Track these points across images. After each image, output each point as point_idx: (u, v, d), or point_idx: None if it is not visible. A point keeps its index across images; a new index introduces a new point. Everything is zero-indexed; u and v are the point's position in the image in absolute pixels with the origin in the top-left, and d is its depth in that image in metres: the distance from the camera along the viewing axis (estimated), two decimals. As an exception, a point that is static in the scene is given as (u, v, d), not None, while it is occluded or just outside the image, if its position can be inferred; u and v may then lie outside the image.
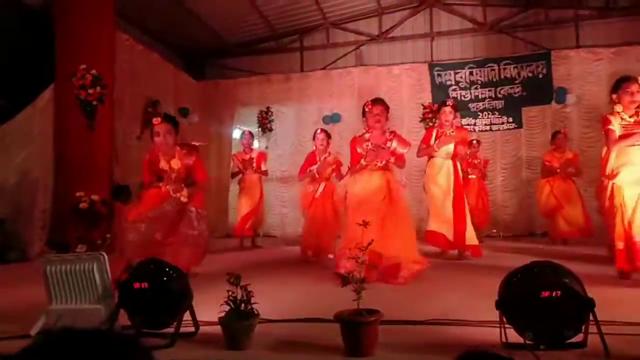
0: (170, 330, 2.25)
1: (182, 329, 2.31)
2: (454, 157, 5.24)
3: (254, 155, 7.01)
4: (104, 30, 6.23)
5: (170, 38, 9.33)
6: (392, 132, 4.16)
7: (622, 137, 3.62)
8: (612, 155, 3.66)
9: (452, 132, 5.23)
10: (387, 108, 4.12)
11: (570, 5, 8.72)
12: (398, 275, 3.78)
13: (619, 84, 3.71)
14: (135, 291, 2.21)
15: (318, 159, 5.75)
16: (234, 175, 7.34)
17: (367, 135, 4.08)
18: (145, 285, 2.18)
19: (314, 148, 5.88)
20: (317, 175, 5.68)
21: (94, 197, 5.83)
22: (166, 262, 2.36)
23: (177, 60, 9.67)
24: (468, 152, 6.30)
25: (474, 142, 7.28)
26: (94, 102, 6.01)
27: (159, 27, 8.78)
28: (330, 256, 5.04)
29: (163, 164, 3.91)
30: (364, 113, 4.16)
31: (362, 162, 4.03)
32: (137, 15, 8.12)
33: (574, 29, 8.77)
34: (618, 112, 3.68)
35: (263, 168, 6.98)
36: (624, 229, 3.50)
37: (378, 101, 4.11)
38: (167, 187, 3.85)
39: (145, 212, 3.71)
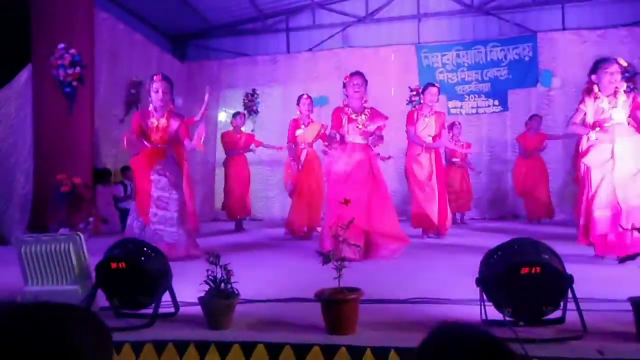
0: (150, 311, 2.22)
1: (162, 310, 2.28)
2: (437, 138, 5.34)
3: (244, 137, 6.94)
4: (82, 8, 6.04)
5: (153, 18, 9.12)
6: (370, 108, 4.21)
7: (596, 122, 3.62)
8: (584, 137, 3.68)
9: (431, 116, 5.37)
10: (365, 81, 4.20)
11: (557, -13, 8.69)
12: (381, 252, 3.89)
13: (598, 65, 3.68)
14: (113, 271, 2.16)
15: (302, 124, 5.77)
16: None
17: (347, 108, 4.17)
18: (122, 265, 2.14)
19: (298, 114, 5.90)
20: (299, 146, 5.75)
21: (76, 180, 5.73)
22: (144, 242, 2.31)
23: (160, 41, 9.47)
24: (449, 138, 6.41)
25: (457, 123, 7.32)
26: (74, 83, 5.85)
27: (141, 7, 8.57)
28: (319, 229, 5.08)
29: (153, 121, 4.04)
30: (344, 85, 4.22)
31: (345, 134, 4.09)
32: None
33: (560, 11, 8.77)
34: (595, 93, 3.65)
35: (252, 147, 6.95)
36: (586, 205, 3.56)
37: (356, 73, 4.20)
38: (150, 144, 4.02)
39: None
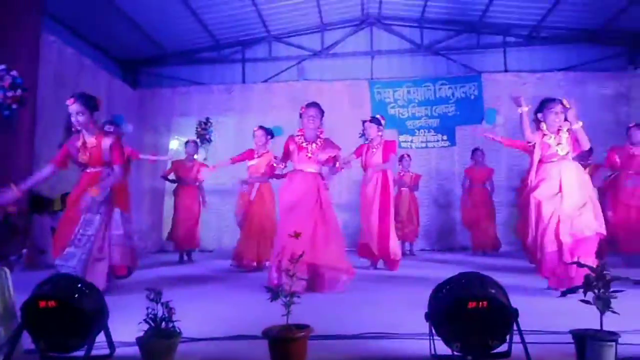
0: (82, 353, 2.05)
1: (95, 351, 2.11)
2: (386, 168, 5.44)
3: (196, 166, 6.78)
4: (27, 30, 5.80)
5: (105, 43, 8.91)
6: (325, 138, 4.24)
7: (543, 156, 3.84)
8: (532, 171, 3.88)
9: (379, 147, 5.52)
10: (321, 112, 4.22)
11: (499, 32, 9.29)
12: (326, 285, 3.87)
13: (544, 104, 3.91)
14: (41, 311, 1.98)
15: (256, 155, 5.77)
16: (166, 178, 7.02)
17: (299, 135, 4.20)
18: (52, 303, 1.97)
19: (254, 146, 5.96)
20: (251, 177, 5.80)
21: (10, 208, 5.35)
22: (78, 278, 2.15)
23: (111, 67, 9.23)
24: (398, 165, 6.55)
25: (406, 156, 7.52)
26: (13, 106, 5.54)
27: (93, 32, 8.36)
28: (268, 263, 4.97)
29: (79, 143, 3.78)
30: (300, 115, 4.23)
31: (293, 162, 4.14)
32: (69, 18, 7.69)
33: (502, 54, 9.35)
34: (541, 130, 3.89)
35: (200, 178, 6.77)
36: (540, 240, 3.70)
37: (312, 104, 4.23)
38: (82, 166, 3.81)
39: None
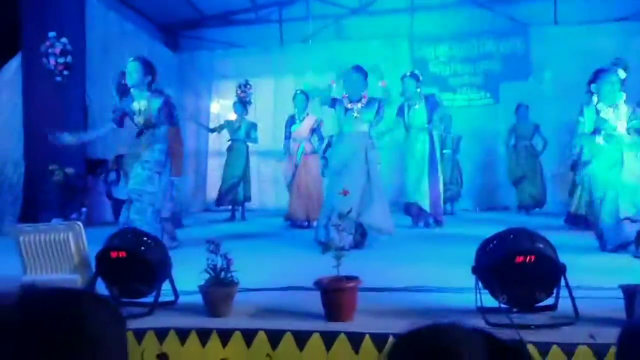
0: (150, 299, 2.24)
1: (162, 298, 2.30)
2: (430, 128, 5.38)
3: (244, 124, 6.96)
4: (75, -2, 5.97)
5: (144, 8, 9.00)
6: (369, 97, 4.21)
7: (596, 129, 3.63)
8: (585, 147, 3.72)
9: (421, 103, 5.40)
10: (364, 74, 4.19)
11: (550, -19, 8.73)
12: (369, 242, 3.97)
13: (598, 75, 3.65)
14: (113, 260, 2.18)
15: (297, 119, 5.88)
16: (214, 130, 7.32)
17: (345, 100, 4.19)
18: (122, 254, 2.15)
19: (294, 109, 6.14)
20: (295, 140, 5.94)
21: (68, 170, 5.70)
22: (143, 231, 2.32)
23: (152, 31, 9.37)
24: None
25: (448, 116, 7.37)
26: (65, 72, 5.79)
27: (132, -4, 8.47)
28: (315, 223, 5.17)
29: (134, 104, 3.94)
30: (344, 80, 4.25)
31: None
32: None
33: (552, 4, 8.81)
34: (594, 104, 3.64)
35: (252, 135, 6.98)
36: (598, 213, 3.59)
37: (354, 68, 4.20)
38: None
39: None
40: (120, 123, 4.10)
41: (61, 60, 5.76)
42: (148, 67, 3.99)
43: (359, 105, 4.11)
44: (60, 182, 5.54)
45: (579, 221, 4.88)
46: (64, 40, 5.72)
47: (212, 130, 7.41)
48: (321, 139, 6.10)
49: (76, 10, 6.06)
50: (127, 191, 3.96)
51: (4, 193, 5.80)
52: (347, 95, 4.18)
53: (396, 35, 9.14)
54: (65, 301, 0.76)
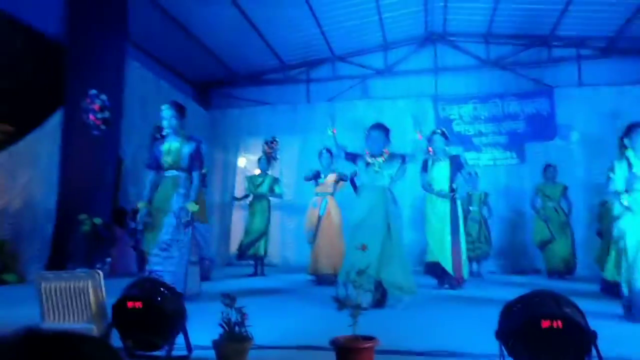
0: (163, 353, 2.21)
1: (175, 352, 2.26)
2: (451, 185, 5.34)
3: (267, 179, 7.11)
4: (115, 57, 6.39)
5: (179, 67, 9.55)
6: (390, 153, 4.25)
7: (630, 188, 3.51)
8: (616, 205, 3.59)
9: (445, 160, 5.41)
10: (386, 131, 4.25)
11: (573, 45, 8.88)
12: (389, 302, 3.86)
13: (633, 129, 3.56)
14: (129, 311, 2.17)
15: (322, 176, 6.01)
16: (238, 198, 7.47)
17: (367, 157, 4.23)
18: (138, 304, 2.15)
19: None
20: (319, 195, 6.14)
21: (97, 220, 5.85)
22: (162, 282, 2.33)
23: (185, 89, 9.86)
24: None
25: (472, 173, 7.31)
26: (102, 127, 6.10)
27: (169, 57, 9.00)
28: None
29: (164, 145, 4.07)
30: (366, 137, 4.29)
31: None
32: (148, 43, 8.34)
33: (576, 67, 8.92)
34: (627, 158, 3.55)
35: (276, 191, 7.09)
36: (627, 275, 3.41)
37: (376, 126, 4.28)
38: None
39: None
40: (155, 167, 4.16)
41: (99, 115, 6.09)
42: (181, 111, 4.18)
43: (380, 159, 4.15)
44: (88, 232, 5.68)
45: (615, 289, 4.61)
46: (103, 97, 6.08)
47: (239, 199, 7.58)
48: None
49: (116, 69, 6.47)
50: (158, 242, 3.90)
51: (34, 241, 5.96)
52: (368, 151, 4.23)
53: (421, 95, 9.35)
54: (67, 343, 0.77)
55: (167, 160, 4.05)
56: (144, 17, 7.27)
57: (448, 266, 5.15)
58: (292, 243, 9.02)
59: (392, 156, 4.19)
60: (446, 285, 5.33)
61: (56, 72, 6.23)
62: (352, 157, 4.30)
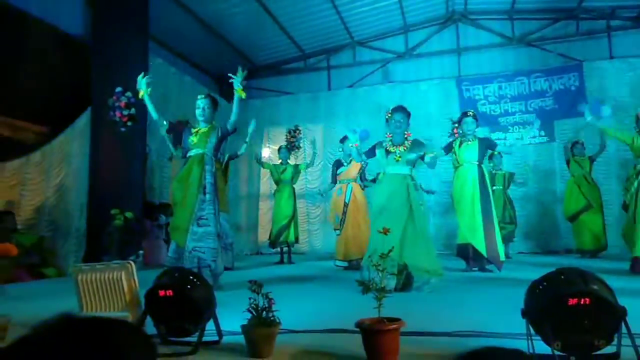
0: (195, 338, 2.29)
1: (206, 338, 2.34)
2: (480, 165, 5.24)
3: (289, 168, 7.21)
4: (138, 54, 6.52)
5: (201, 61, 9.66)
6: (412, 140, 4.21)
7: None
8: None
9: (474, 140, 5.29)
10: (408, 114, 4.22)
11: (602, 17, 8.54)
12: (415, 285, 3.87)
13: None
14: (161, 299, 2.25)
15: (344, 162, 6.10)
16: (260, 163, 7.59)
17: (388, 139, 4.22)
18: (169, 293, 2.23)
19: (342, 151, 6.42)
20: (343, 182, 6.19)
21: (128, 214, 6.03)
22: (191, 271, 2.40)
23: (208, 83, 9.98)
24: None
25: (498, 153, 7.17)
26: (129, 123, 6.25)
27: (190, 51, 9.12)
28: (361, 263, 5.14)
29: (194, 128, 4.24)
30: (386, 121, 4.25)
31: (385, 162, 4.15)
32: (170, 39, 8.46)
33: (606, 39, 8.58)
34: None
35: (295, 179, 7.26)
36: None
37: (398, 109, 4.26)
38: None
39: None
40: (173, 129, 4.36)
41: (125, 112, 6.23)
42: (215, 103, 4.44)
43: (401, 148, 4.13)
44: (121, 226, 5.86)
45: None
46: (128, 94, 6.21)
47: (259, 162, 7.65)
48: (366, 180, 6.30)
49: (140, 66, 6.58)
50: (193, 218, 3.98)
51: (70, 237, 6.21)
52: (391, 135, 4.21)
53: (444, 76, 9.20)
54: (99, 329, 0.81)
55: (193, 140, 4.18)
56: (165, 13, 7.38)
57: (481, 248, 5.05)
58: (319, 230, 9.09)
59: (413, 143, 4.15)
60: (475, 269, 5.28)
61: (85, 72, 6.42)
62: (371, 152, 4.28)
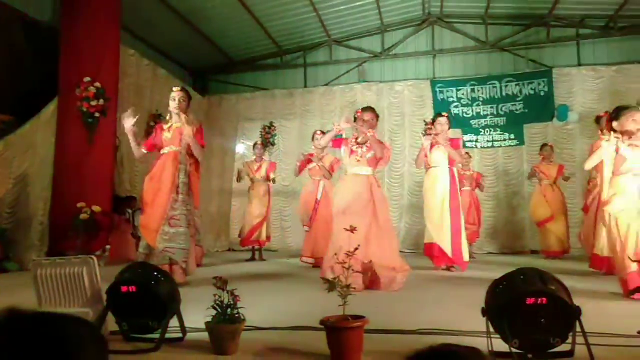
0: (158, 335, 2.25)
1: (170, 335, 2.31)
2: (451, 166, 5.34)
3: (264, 165, 7.11)
4: (109, 45, 6.35)
5: (176, 54, 9.49)
6: (375, 140, 4.23)
7: (617, 170, 3.52)
8: (606, 184, 3.61)
9: (447, 144, 5.38)
10: (376, 116, 4.26)
11: (572, 25, 8.79)
12: (381, 284, 3.88)
13: (621, 112, 3.58)
14: (123, 295, 2.21)
15: (316, 159, 6.13)
16: (239, 179, 7.40)
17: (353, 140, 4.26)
18: (133, 288, 2.19)
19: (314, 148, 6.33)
20: (315, 178, 6.12)
21: (95, 208, 5.88)
22: (155, 266, 2.36)
23: (182, 76, 9.83)
24: (462, 162, 6.36)
25: (465, 154, 7.31)
26: (97, 115, 6.09)
27: (165, 44, 8.95)
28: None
29: (168, 124, 4.19)
30: (355, 119, 4.29)
31: (347, 160, 4.18)
32: (144, 31, 8.28)
33: (575, 47, 8.84)
34: (616, 139, 3.55)
35: (272, 177, 7.13)
36: (620, 259, 3.43)
37: (367, 108, 4.30)
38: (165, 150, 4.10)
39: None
40: (151, 148, 4.26)
41: (94, 103, 6.07)
42: (189, 96, 4.36)
43: (364, 149, 4.15)
44: (87, 220, 5.72)
45: (603, 265, 4.67)
46: (97, 84, 6.06)
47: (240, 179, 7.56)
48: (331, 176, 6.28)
49: (111, 57, 6.43)
50: (166, 218, 3.95)
51: (34, 230, 6.02)
52: (356, 135, 4.23)
53: (419, 78, 9.30)
54: (45, 324, 0.79)
55: (167, 136, 4.11)
56: (139, 3, 7.22)
57: (447, 248, 5.17)
58: (292, 228, 9.08)
59: (376, 144, 4.18)
60: (444, 267, 5.37)
61: (53, 60, 6.22)
62: (338, 143, 4.31)
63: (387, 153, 4.27)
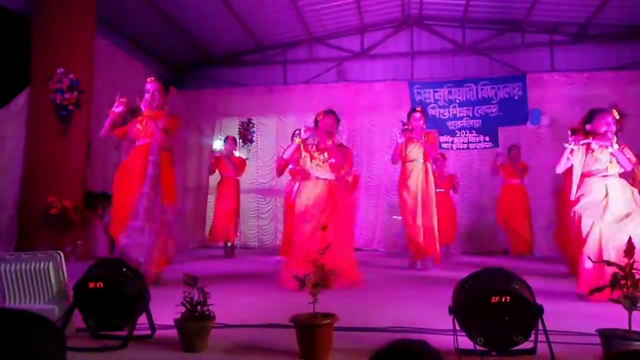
0: (126, 332, 2.22)
1: (138, 332, 2.28)
2: (425, 160, 5.41)
3: (234, 160, 7.07)
4: (83, 35, 6.21)
5: (153, 47, 9.33)
6: (337, 145, 4.26)
7: (588, 172, 3.64)
8: (574, 186, 3.71)
9: (420, 139, 5.45)
10: (337, 121, 4.27)
11: (546, 31, 9.01)
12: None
13: (593, 115, 3.67)
14: (90, 291, 2.18)
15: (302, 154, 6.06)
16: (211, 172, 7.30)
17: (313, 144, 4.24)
18: (100, 285, 2.15)
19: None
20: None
21: (66, 203, 5.75)
22: (123, 262, 2.33)
23: (159, 70, 9.67)
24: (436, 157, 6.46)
25: (440, 157, 7.43)
26: (70, 107, 5.95)
27: (142, 36, 8.79)
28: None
29: (140, 119, 4.09)
30: (316, 123, 4.26)
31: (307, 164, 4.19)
32: (121, 23, 8.12)
33: (549, 53, 9.06)
34: (588, 143, 3.63)
35: (238, 172, 7.06)
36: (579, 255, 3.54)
37: (328, 113, 4.27)
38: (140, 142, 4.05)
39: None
40: (120, 134, 4.22)
41: (67, 95, 5.93)
42: (165, 87, 4.27)
43: (326, 154, 4.14)
44: (58, 215, 5.59)
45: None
46: (71, 76, 5.91)
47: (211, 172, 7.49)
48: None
49: (85, 48, 6.28)
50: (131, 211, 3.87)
51: (2, 225, 5.85)
52: (317, 140, 4.21)
53: (397, 78, 9.38)
54: (7, 321, 0.78)
55: (139, 128, 4.07)
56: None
57: (420, 239, 5.26)
58: (269, 226, 9.06)
59: (339, 148, 4.20)
60: (418, 266, 5.44)
61: (24, 50, 6.04)
62: (295, 151, 4.29)
63: (350, 158, 4.29)
